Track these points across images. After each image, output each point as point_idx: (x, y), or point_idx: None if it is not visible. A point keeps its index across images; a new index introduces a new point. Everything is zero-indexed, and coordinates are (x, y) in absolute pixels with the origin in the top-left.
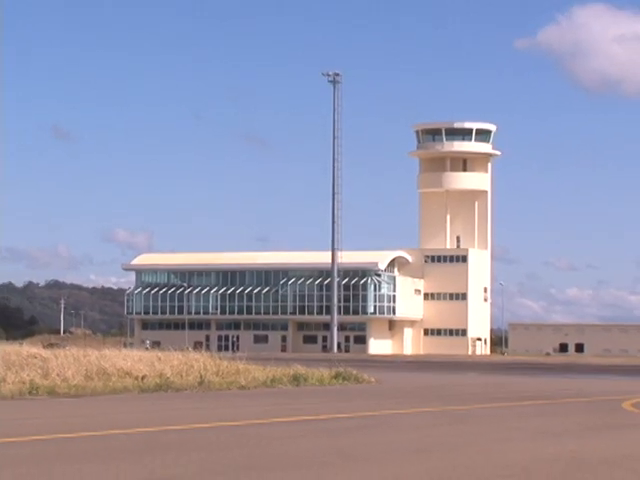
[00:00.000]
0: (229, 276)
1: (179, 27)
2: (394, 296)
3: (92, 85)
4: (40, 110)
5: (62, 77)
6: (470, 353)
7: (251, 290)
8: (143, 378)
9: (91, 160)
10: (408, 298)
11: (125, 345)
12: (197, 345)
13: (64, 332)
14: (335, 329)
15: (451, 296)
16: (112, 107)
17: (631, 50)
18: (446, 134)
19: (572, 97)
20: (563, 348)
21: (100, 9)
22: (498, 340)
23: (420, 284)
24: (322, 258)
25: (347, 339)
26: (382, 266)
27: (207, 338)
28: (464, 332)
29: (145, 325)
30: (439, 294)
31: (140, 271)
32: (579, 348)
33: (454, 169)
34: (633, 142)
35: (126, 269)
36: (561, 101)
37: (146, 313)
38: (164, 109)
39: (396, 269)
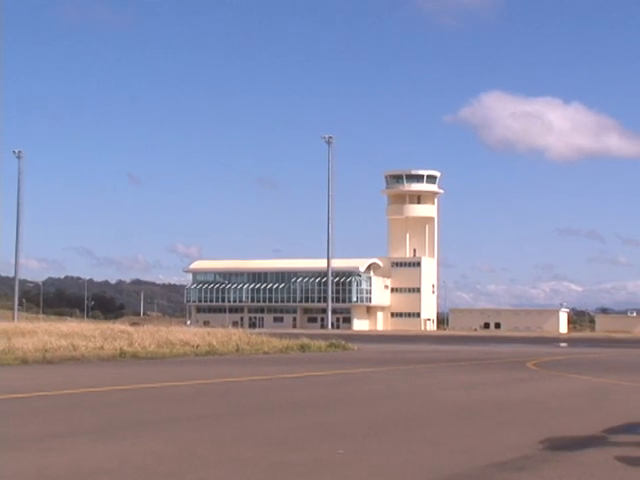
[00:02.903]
0: (256, 276)
1: (215, 103)
2: (370, 290)
3: (155, 144)
4: (118, 162)
5: (133, 140)
6: (422, 329)
7: (271, 286)
8: (197, 346)
9: (157, 197)
10: (380, 291)
11: (185, 324)
12: (234, 324)
13: (143, 315)
14: (330, 313)
15: (409, 290)
16: (170, 158)
17: (521, 122)
18: (406, 178)
19: (484, 154)
20: (486, 326)
21: (150, 89)
22: (442, 320)
23: (388, 282)
24: (320, 263)
25: (338, 320)
26: (362, 269)
27: (241, 319)
28: (418, 314)
29: (199, 310)
30: (401, 288)
31: (195, 272)
32: (497, 326)
33: (412, 202)
34: (526, 184)
35: (185, 271)
36: (478, 157)
37: (200, 301)
38: (204, 160)
39: (372, 271)
